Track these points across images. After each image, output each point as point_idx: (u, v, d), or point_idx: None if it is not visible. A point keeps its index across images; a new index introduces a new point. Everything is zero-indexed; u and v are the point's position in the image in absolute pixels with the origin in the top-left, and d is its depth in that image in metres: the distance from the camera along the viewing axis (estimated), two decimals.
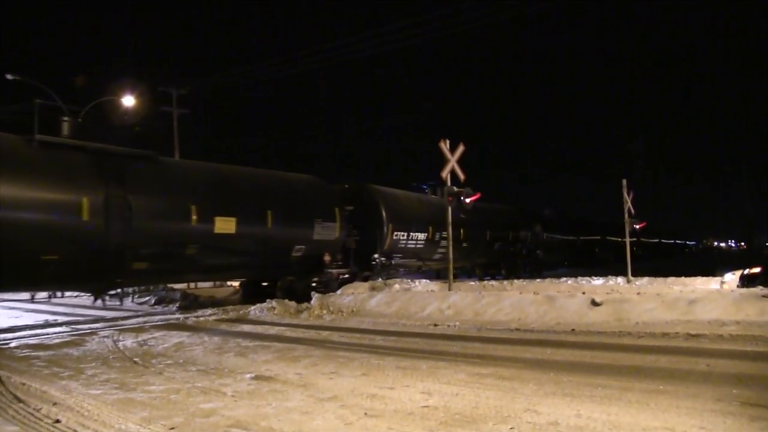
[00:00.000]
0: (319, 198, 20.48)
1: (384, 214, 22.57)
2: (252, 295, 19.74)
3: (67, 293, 24.96)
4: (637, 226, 25.76)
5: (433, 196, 26.34)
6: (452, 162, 16.15)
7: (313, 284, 19.75)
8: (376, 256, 22.31)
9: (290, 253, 18.92)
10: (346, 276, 21.39)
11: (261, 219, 17.72)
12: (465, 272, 33.53)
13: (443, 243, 24.69)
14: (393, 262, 23.26)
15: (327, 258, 20.14)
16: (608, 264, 46.42)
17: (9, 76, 26.70)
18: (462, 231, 27.75)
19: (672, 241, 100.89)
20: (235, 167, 19.49)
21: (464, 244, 28.30)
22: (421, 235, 24.74)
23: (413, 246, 24.45)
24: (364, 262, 22.42)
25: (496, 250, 32.64)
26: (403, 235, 23.60)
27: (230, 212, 16.68)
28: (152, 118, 34.01)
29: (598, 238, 52.55)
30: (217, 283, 25.02)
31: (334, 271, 20.79)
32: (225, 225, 16.53)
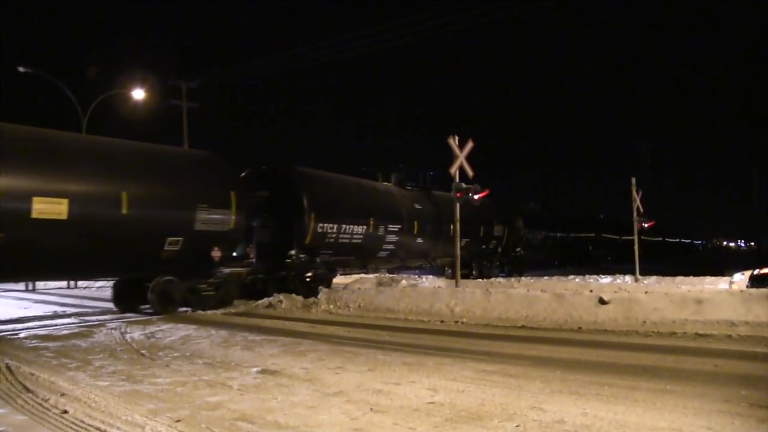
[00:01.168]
0: (206, 178, 16.27)
1: (305, 201, 18.84)
2: (126, 298, 16.00)
3: (81, 283, 25.12)
4: (646, 225, 25.59)
5: (385, 183, 24.80)
6: (461, 158, 16.11)
7: (202, 286, 16.03)
8: (292, 252, 18.84)
9: (162, 247, 14.78)
10: (250, 278, 18.14)
11: (111, 201, 13.66)
12: (432, 271, 29.86)
13: (391, 238, 22.47)
14: (319, 259, 19.66)
15: (216, 254, 16.13)
16: (603, 263, 45.39)
17: (21, 69, 26.81)
18: (416, 224, 24.11)
19: (677, 240, 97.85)
20: (72, 134, 16.08)
21: (419, 240, 24.50)
22: (359, 228, 21.00)
23: (347, 241, 20.59)
24: (281, 259, 19.01)
25: (463, 247, 28.01)
26: (331, 228, 19.71)
27: (59, 192, 12.76)
28: (162, 112, 34.15)
29: (592, 235, 49.63)
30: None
31: (230, 270, 17.07)
32: (50, 208, 12.64)
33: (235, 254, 17.66)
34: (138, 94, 30.46)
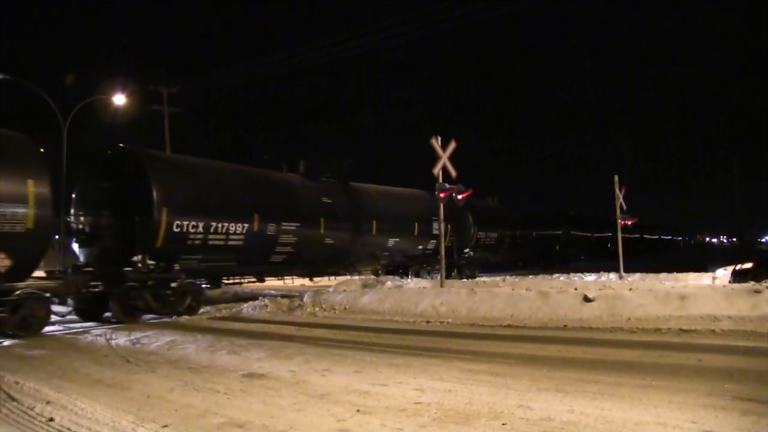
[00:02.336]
0: None
1: (155, 192, 15.26)
2: None
3: None
4: (629, 222, 25.76)
5: (276, 173, 21.23)
6: (444, 159, 16.18)
7: None
8: (136, 259, 15.03)
9: None
10: (84, 291, 14.39)
11: None
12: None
13: (285, 239, 18.95)
14: (177, 266, 15.94)
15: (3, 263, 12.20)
16: (574, 262, 42.72)
17: None
18: (322, 222, 20.73)
19: (656, 237, 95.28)
20: None
21: (328, 240, 21.13)
22: (238, 227, 17.21)
23: (222, 243, 16.91)
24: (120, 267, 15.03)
25: (391, 248, 25.08)
26: (193, 226, 16.01)
27: None
28: (143, 117, 33.97)
29: (559, 233, 45.91)
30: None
31: (36, 284, 13.23)
32: None
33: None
34: (119, 99, 30.25)
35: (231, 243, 17.24)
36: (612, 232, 56.47)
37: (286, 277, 22.46)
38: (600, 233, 56.26)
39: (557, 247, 45.12)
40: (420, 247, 26.54)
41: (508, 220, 36.51)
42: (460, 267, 29.03)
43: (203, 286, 17.69)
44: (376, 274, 24.30)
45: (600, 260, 39.61)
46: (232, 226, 17.17)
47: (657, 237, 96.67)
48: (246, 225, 17.57)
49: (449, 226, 27.08)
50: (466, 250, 30.24)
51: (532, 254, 40.98)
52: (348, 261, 22.95)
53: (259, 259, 18.97)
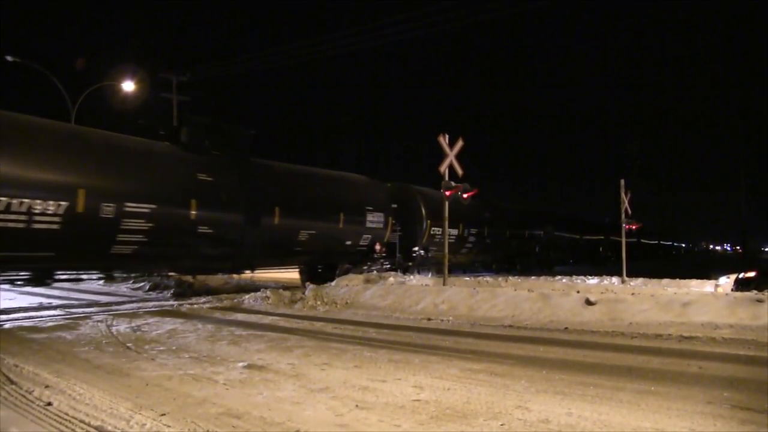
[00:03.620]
0: None
1: None
2: None
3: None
4: (633, 227, 25.68)
5: (138, 139, 15.96)
6: (450, 156, 16.15)
7: None
8: None
9: None
10: None
11: None
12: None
13: (132, 224, 14.32)
14: None
15: None
16: (558, 266, 39.73)
17: (9, 58, 26.59)
18: (193, 203, 15.97)
19: (656, 242, 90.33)
20: None
21: (203, 228, 16.39)
22: (50, 206, 12.81)
23: (23, 226, 12.51)
24: None
25: (304, 242, 20.14)
26: None
27: None
28: (152, 105, 33.95)
29: (540, 233, 40.69)
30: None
31: None
32: None
33: None
34: (128, 86, 30.29)
35: (35, 226, 12.77)
36: (604, 235, 54.90)
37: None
38: (590, 236, 53.38)
39: (537, 249, 40.23)
40: (348, 243, 21.84)
41: (475, 215, 30.38)
42: (405, 269, 24.11)
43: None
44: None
45: (587, 265, 39.17)
46: (40, 205, 12.76)
47: (656, 242, 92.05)
48: (65, 203, 13.20)
49: (390, 217, 23.38)
50: (415, 248, 25.54)
51: (506, 256, 36.09)
52: (240, 257, 18.49)
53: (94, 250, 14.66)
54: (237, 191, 17.51)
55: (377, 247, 22.41)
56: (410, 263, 25.33)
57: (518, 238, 37.09)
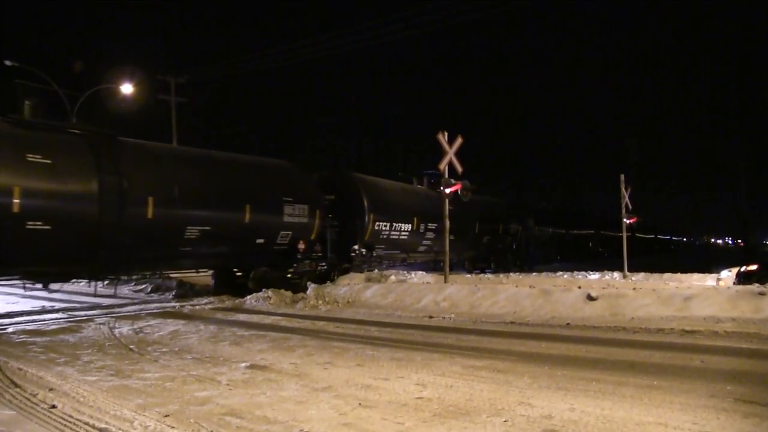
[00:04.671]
0: None
1: None
2: None
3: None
4: (630, 221, 25.66)
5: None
6: (450, 154, 16.15)
7: None
8: None
9: None
10: None
11: None
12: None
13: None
14: None
15: None
16: (536, 264, 35.37)
17: (7, 63, 26.57)
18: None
19: (652, 236, 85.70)
20: None
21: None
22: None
23: None
24: None
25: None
26: None
27: None
28: (150, 107, 33.90)
29: (518, 227, 36.08)
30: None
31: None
32: None
33: None
34: (126, 88, 30.26)
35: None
36: (594, 229, 53.01)
37: None
38: (578, 230, 50.40)
39: (514, 246, 35.61)
40: (260, 240, 18.19)
41: (435, 208, 22.90)
42: (343, 271, 20.88)
43: None
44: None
45: (574, 262, 37.17)
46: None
47: (653, 236, 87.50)
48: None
49: (318, 210, 19.86)
50: (355, 247, 21.75)
51: (477, 253, 32.49)
52: (98, 259, 14.38)
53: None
54: (89, 177, 13.75)
55: (300, 245, 18.80)
56: (348, 264, 21.44)
57: (491, 234, 32.59)
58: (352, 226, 21.70)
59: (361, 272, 20.60)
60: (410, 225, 24.30)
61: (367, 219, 21.74)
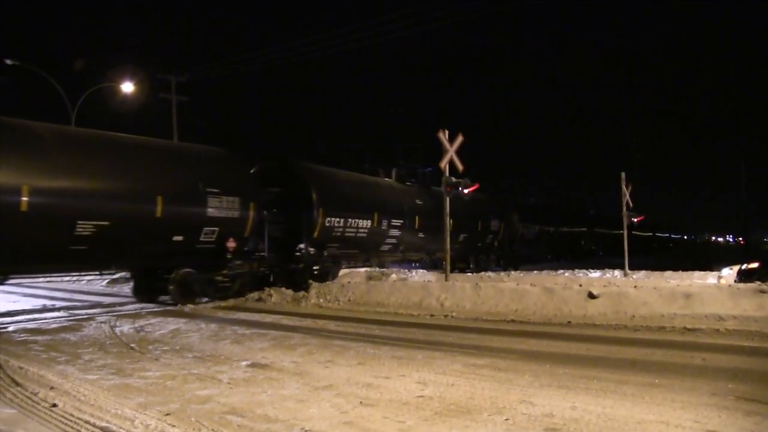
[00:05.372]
0: None
1: None
2: None
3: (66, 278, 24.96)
4: (636, 220, 25.62)
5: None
6: (451, 152, 16.12)
7: None
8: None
9: None
10: None
11: None
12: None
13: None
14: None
15: None
16: (520, 265, 32.20)
17: (8, 61, 26.60)
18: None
19: (650, 234, 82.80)
20: None
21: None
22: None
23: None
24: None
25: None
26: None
27: None
28: (154, 105, 33.89)
29: (499, 223, 32.64)
30: None
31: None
32: None
33: None
34: (127, 87, 30.29)
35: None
36: (587, 227, 50.87)
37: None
38: (569, 227, 47.52)
39: (495, 243, 33.02)
40: (178, 238, 15.87)
41: (400, 203, 24.15)
42: (289, 274, 19.39)
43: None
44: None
45: (564, 261, 36.52)
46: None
47: (651, 234, 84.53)
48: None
49: (253, 203, 17.57)
50: (302, 245, 19.61)
51: (453, 253, 26.18)
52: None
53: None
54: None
55: (230, 243, 16.56)
56: (295, 265, 19.30)
57: (468, 231, 29.34)
58: (297, 222, 19.56)
59: (312, 276, 18.75)
60: (370, 221, 21.89)
61: (315, 214, 19.34)
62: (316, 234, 19.43)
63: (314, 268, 19.64)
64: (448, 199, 16.65)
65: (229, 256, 16.66)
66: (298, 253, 19.17)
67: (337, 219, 20.20)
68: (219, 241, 16.36)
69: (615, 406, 5.81)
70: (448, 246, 17.19)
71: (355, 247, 21.83)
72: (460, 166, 16.28)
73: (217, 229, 16.22)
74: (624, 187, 23.82)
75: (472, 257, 31.10)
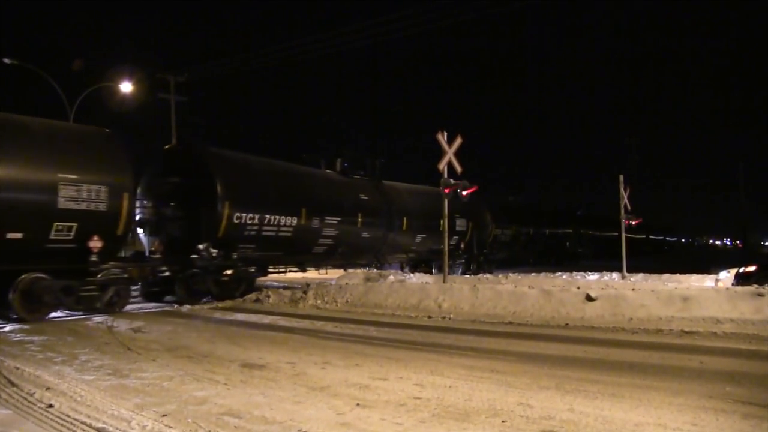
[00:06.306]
0: None
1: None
2: None
3: None
4: (634, 222, 25.60)
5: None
6: (449, 154, 16.12)
7: None
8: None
9: None
10: None
11: None
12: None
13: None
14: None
15: None
16: (495, 269, 29.94)
17: (6, 60, 26.56)
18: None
19: (643, 236, 76.83)
20: None
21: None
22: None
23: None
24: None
25: None
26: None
27: None
28: (153, 105, 33.85)
29: (465, 224, 28.42)
30: None
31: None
32: None
33: None
34: (126, 87, 30.25)
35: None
36: (573, 228, 48.36)
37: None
38: (552, 228, 44.82)
39: (462, 246, 29.54)
40: (16, 235, 13.53)
41: (338, 198, 21.49)
42: (188, 277, 16.28)
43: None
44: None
45: (550, 265, 34.62)
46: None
47: (644, 236, 78.61)
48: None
49: (126, 193, 14.22)
50: (201, 246, 16.46)
51: (408, 255, 26.73)
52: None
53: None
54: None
55: (94, 243, 13.58)
56: (196, 269, 16.35)
57: (426, 231, 25.31)
58: (196, 219, 16.84)
59: (217, 284, 16.75)
60: (295, 218, 18.94)
61: (220, 207, 16.54)
62: (221, 232, 16.69)
63: (227, 272, 17.03)
64: (446, 201, 16.64)
65: (93, 259, 13.64)
66: (195, 255, 16.21)
67: (250, 215, 17.42)
68: (80, 240, 13.45)
69: (612, 408, 5.81)
70: (447, 247, 17.19)
71: (279, 249, 19.00)
72: (458, 168, 16.27)
73: (75, 224, 13.30)
74: (622, 190, 23.82)
75: (435, 262, 26.74)
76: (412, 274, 21.87)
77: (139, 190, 16.83)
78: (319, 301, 15.66)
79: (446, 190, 16.26)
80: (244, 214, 17.18)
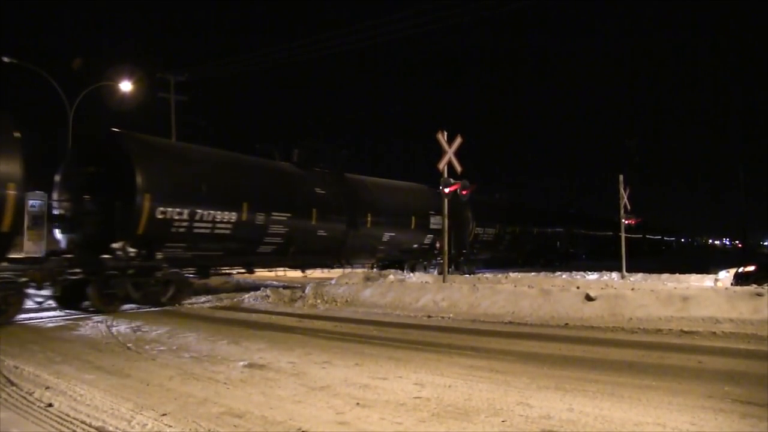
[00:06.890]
0: None
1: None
2: None
3: None
4: (627, 222, 25.60)
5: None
6: (449, 153, 16.14)
7: None
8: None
9: None
10: None
11: None
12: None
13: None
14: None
15: None
16: (477, 269, 29.36)
17: (6, 59, 26.54)
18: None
19: (640, 236, 74.54)
20: None
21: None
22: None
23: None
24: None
25: None
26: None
27: None
28: (155, 104, 33.83)
29: (440, 221, 23.83)
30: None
31: None
32: None
33: None
34: (125, 86, 30.25)
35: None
36: (564, 227, 46.73)
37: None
38: (541, 228, 43.01)
39: (437, 245, 25.89)
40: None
41: (286, 193, 19.57)
42: (104, 282, 14.16)
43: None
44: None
45: (538, 266, 34.33)
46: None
47: (641, 236, 76.46)
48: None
49: (12, 184, 11.93)
50: (117, 245, 14.43)
51: (382, 254, 24.74)
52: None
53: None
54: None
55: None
56: (113, 272, 14.27)
57: (395, 229, 23.09)
58: (110, 214, 14.81)
59: (137, 288, 14.80)
60: (235, 213, 17.05)
61: (139, 201, 14.58)
62: (140, 229, 14.68)
63: (158, 274, 15.20)
64: (446, 200, 16.65)
65: None
66: (107, 255, 14.21)
67: (178, 210, 15.45)
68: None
69: (612, 408, 5.81)
70: (446, 247, 17.20)
71: (216, 248, 17.22)
72: (458, 168, 16.29)
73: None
74: (622, 190, 23.83)
75: (408, 262, 24.57)
76: (411, 274, 21.86)
77: (57, 181, 15.45)
78: (318, 301, 15.66)
79: (446, 190, 16.27)
80: (169, 209, 15.16)
